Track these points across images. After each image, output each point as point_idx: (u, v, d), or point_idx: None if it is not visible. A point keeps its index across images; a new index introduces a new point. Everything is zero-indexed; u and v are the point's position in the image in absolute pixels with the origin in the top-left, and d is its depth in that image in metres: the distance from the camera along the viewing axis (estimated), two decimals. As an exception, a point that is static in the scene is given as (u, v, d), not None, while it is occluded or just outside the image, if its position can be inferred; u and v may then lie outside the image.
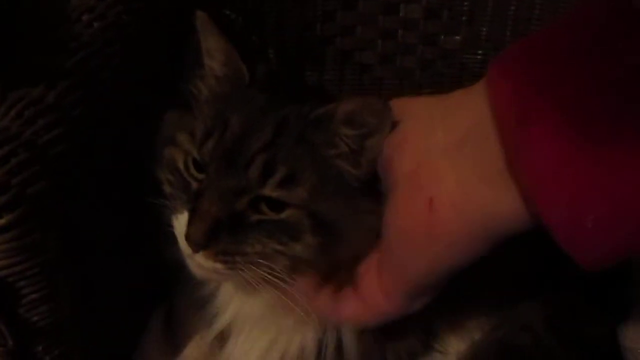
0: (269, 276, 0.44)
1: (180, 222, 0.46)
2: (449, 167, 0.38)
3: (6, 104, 0.41)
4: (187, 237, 0.43)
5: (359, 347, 0.50)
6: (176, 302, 0.54)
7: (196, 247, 0.43)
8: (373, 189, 0.45)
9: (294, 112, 0.47)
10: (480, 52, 0.80)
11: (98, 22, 0.51)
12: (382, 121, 0.43)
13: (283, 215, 0.44)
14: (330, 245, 0.44)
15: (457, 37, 0.80)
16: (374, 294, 0.44)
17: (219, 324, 0.52)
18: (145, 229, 0.51)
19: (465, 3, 0.77)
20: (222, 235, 0.43)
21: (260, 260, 0.44)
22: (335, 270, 0.46)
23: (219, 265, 0.44)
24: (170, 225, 0.48)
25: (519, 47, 0.36)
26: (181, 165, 0.48)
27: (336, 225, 0.44)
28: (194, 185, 0.47)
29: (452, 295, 0.45)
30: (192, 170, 0.47)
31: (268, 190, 0.44)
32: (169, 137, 0.50)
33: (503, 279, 0.54)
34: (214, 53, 0.50)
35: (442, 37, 0.80)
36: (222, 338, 0.53)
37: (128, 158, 0.51)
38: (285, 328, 0.51)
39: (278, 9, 0.80)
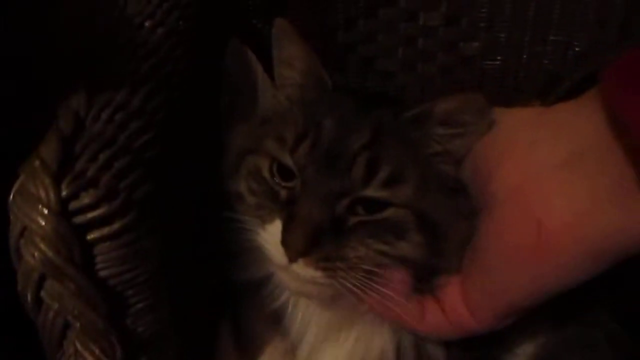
0: (369, 282, 0.43)
1: (270, 232, 0.44)
2: (560, 186, 0.37)
3: (96, 108, 0.39)
4: (286, 245, 0.42)
5: (440, 353, 0.49)
6: (245, 317, 0.53)
7: (296, 254, 0.42)
8: (468, 192, 0.45)
9: (388, 113, 0.46)
10: (499, 57, 0.81)
11: (160, 28, 0.50)
12: (480, 120, 0.43)
13: (385, 214, 0.43)
14: (433, 245, 0.44)
15: (476, 44, 0.81)
16: (458, 309, 0.44)
17: (293, 335, 0.51)
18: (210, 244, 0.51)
19: (484, 9, 0.78)
20: (323, 240, 0.42)
21: (363, 266, 0.43)
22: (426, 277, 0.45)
23: (319, 274, 0.42)
24: (245, 241, 0.47)
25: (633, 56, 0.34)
26: (266, 173, 0.47)
27: (439, 224, 0.44)
28: (283, 193, 0.46)
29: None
30: (278, 178, 0.46)
31: (372, 191, 0.43)
32: (246, 147, 0.49)
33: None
34: (295, 62, 0.50)
35: (462, 43, 0.81)
36: (295, 349, 0.51)
37: (204, 170, 0.50)
38: (362, 335, 0.50)
39: (302, 17, 0.80)
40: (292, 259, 0.42)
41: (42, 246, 0.33)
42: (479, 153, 0.44)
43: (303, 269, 0.42)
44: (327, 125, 0.45)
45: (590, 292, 0.53)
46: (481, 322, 0.42)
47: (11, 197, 0.34)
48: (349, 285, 0.43)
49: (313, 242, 0.42)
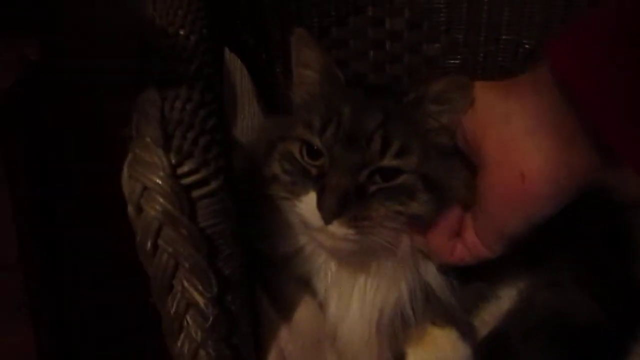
0: (389, 236, 0.59)
1: (306, 202, 0.59)
2: (533, 144, 0.52)
3: (168, 101, 0.54)
4: (321, 209, 0.57)
5: (445, 292, 0.66)
6: (277, 283, 0.67)
7: (331, 216, 0.57)
8: (458, 153, 0.62)
9: (392, 99, 0.63)
10: (458, 57, 0.98)
11: (192, 36, 0.65)
12: (464, 97, 0.59)
13: (399, 180, 0.60)
14: (437, 199, 0.60)
15: (437, 45, 0.98)
16: (476, 244, 0.60)
17: (321, 294, 0.67)
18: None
19: (442, 14, 0.95)
20: (350, 204, 0.57)
21: (385, 223, 0.59)
22: None
23: (351, 231, 0.57)
24: (279, 217, 0.62)
25: (574, 30, 0.47)
26: (297, 155, 0.62)
27: (440, 182, 0.60)
28: (314, 170, 0.61)
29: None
30: (307, 159, 0.61)
31: (387, 161, 0.59)
32: (276, 135, 0.65)
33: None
34: (312, 63, 0.66)
35: (424, 45, 0.98)
36: (325, 305, 0.67)
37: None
38: (380, 286, 0.65)
39: (281, 27, 0.96)
40: (327, 221, 0.57)
41: (162, 200, 0.46)
42: (465, 125, 0.60)
43: (337, 228, 0.56)
44: (346, 112, 0.61)
45: (560, 244, 0.71)
46: (492, 251, 0.59)
47: (126, 167, 0.48)
48: (375, 238, 0.59)
49: (343, 205, 0.55)
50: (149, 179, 0.46)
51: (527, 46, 0.94)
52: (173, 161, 0.47)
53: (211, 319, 0.49)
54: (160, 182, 0.46)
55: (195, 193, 0.48)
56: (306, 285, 0.66)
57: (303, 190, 0.60)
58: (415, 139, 0.60)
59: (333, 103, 0.63)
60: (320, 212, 0.57)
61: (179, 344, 0.50)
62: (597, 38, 0.46)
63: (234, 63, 1.01)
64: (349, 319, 0.65)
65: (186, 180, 0.48)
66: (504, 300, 0.71)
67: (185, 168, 0.48)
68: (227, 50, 0.88)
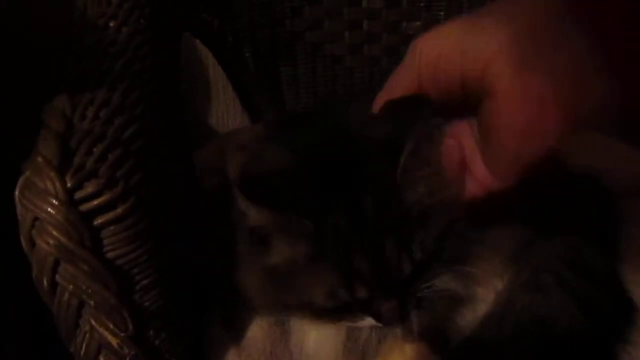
0: None
1: (363, 323, 0.51)
2: (545, 70, 0.43)
3: (80, 107, 0.44)
4: (386, 325, 0.50)
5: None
6: (229, 299, 0.58)
7: (396, 325, 0.50)
8: None
9: (377, 181, 0.49)
10: (440, 35, 0.88)
11: (124, 27, 0.55)
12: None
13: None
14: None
15: (418, 23, 0.89)
16: (486, 176, 0.50)
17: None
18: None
19: (422, -11, 0.86)
20: (410, 304, 0.50)
21: None
22: None
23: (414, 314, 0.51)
24: None
25: None
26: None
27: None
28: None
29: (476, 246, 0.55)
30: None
31: (419, 256, 0.49)
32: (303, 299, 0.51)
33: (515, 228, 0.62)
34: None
35: (404, 23, 0.89)
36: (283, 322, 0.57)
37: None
38: None
39: (249, 9, 0.86)
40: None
41: (55, 233, 0.37)
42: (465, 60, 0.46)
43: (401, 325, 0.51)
44: (357, 259, 0.47)
45: (543, 240, 0.61)
46: (504, 182, 0.49)
47: (17, 192, 0.38)
48: None
49: (405, 315, 0.49)
50: (40, 208, 0.37)
51: (510, 23, 0.83)
52: (69, 184, 0.38)
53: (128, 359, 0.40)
54: (52, 212, 0.37)
55: (98, 220, 0.39)
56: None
57: (352, 317, 0.51)
58: (416, 193, 0.50)
59: (333, 259, 0.48)
60: (386, 326, 0.50)
61: (94, 388, 0.41)
62: None
63: (205, 48, 0.91)
64: (314, 334, 0.56)
65: (86, 207, 0.38)
66: (481, 304, 0.61)
67: (84, 192, 0.38)
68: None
